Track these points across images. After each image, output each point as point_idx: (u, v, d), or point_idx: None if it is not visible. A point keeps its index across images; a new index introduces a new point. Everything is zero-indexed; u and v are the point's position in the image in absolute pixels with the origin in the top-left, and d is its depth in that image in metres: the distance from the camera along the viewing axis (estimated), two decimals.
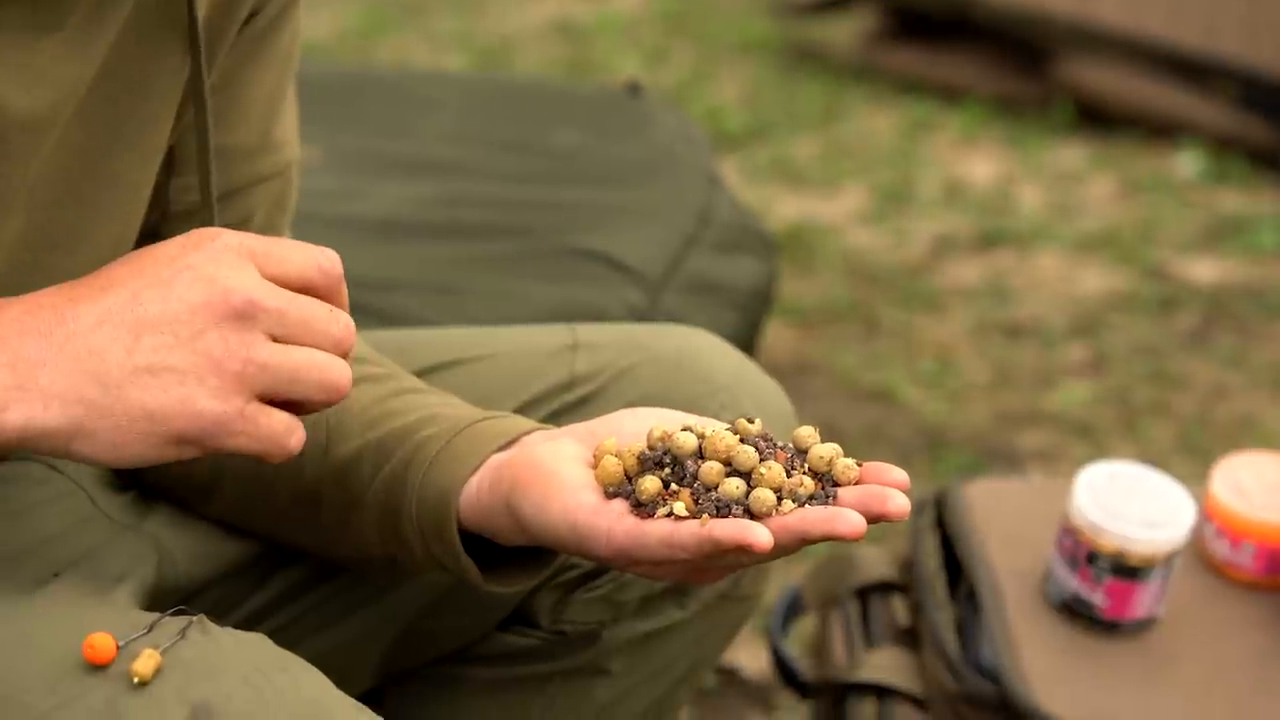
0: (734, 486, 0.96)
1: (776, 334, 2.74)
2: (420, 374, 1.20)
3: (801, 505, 0.96)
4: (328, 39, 3.74)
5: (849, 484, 0.98)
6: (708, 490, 0.97)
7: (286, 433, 0.92)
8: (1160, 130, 3.47)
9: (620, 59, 3.79)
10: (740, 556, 0.96)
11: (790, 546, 0.95)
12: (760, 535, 0.92)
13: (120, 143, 1.05)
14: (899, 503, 0.95)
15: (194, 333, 0.89)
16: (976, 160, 3.45)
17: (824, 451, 0.98)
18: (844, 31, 3.84)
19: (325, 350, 0.93)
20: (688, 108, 3.46)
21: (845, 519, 0.93)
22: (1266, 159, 3.38)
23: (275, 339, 0.91)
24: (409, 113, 2.33)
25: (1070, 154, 3.46)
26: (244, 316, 0.90)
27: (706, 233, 2.11)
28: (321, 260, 0.94)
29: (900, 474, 0.97)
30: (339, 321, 0.94)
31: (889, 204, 3.26)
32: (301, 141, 1.22)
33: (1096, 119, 3.51)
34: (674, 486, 0.97)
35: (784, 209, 3.20)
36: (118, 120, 1.04)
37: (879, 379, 2.70)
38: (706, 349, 1.24)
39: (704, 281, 2.03)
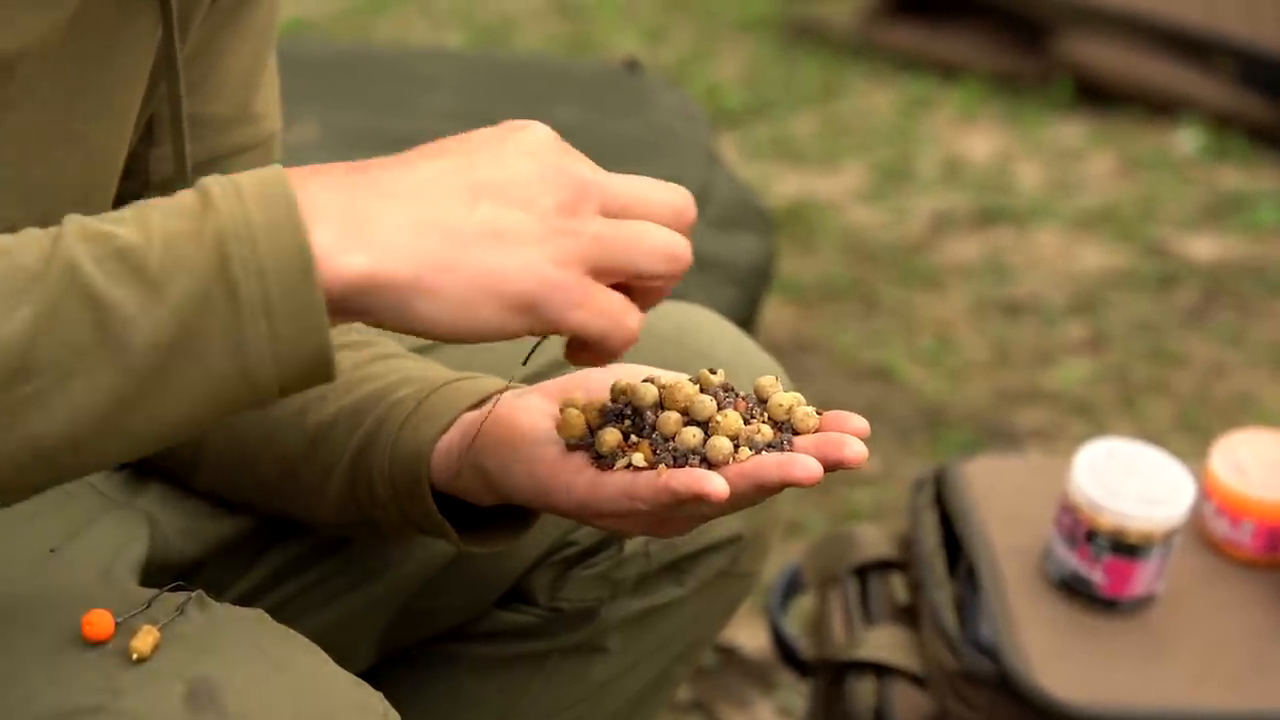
0: (691, 436, 0.96)
1: (775, 311, 2.74)
2: (416, 352, 1.19)
3: (758, 453, 0.96)
4: (327, 16, 3.74)
5: (808, 432, 0.97)
6: (666, 441, 0.97)
7: (624, 310, 0.89)
8: (1160, 107, 3.46)
9: (619, 36, 3.78)
10: (700, 507, 0.96)
11: (748, 494, 0.95)
12: (716, 484, 0.92)
13: (85, 103, 1.03)
14: (855, 449, 0.95)
15: (529, 199, 0.87)
16: (975, 137, 3.44)
17: (784, 400, 0.98)
18: (843, 8, 3.83)
19: (664, 222, 0.90)
20: (687, 85, 3.45)
21: (801, 464, 0.93)
22: (1266, 136, 3.37)
23: (607, 215, 0.89)
24: (408, 90, 2.33)
25: (1069, 131, 3.46)
26: (575, 188, 0.88)
27: (705, 210, 2.10)
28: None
29: (860, 422, 0.97)
30: (675, 190, 0.92)
31: (888, 181, 3.26)
32: (299, 119, 1.22)
33: (1096, 96, 3.51)
34: (634, 438, 0.97)
35: (783, 186, 3.20)
36: (85, 80, 1.03)
37: (878, 357, 2.70)
38: (705, 326, 1.24)
39: (703, 258, 2.02)
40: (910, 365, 2.68)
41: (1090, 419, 2.57)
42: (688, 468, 0.95)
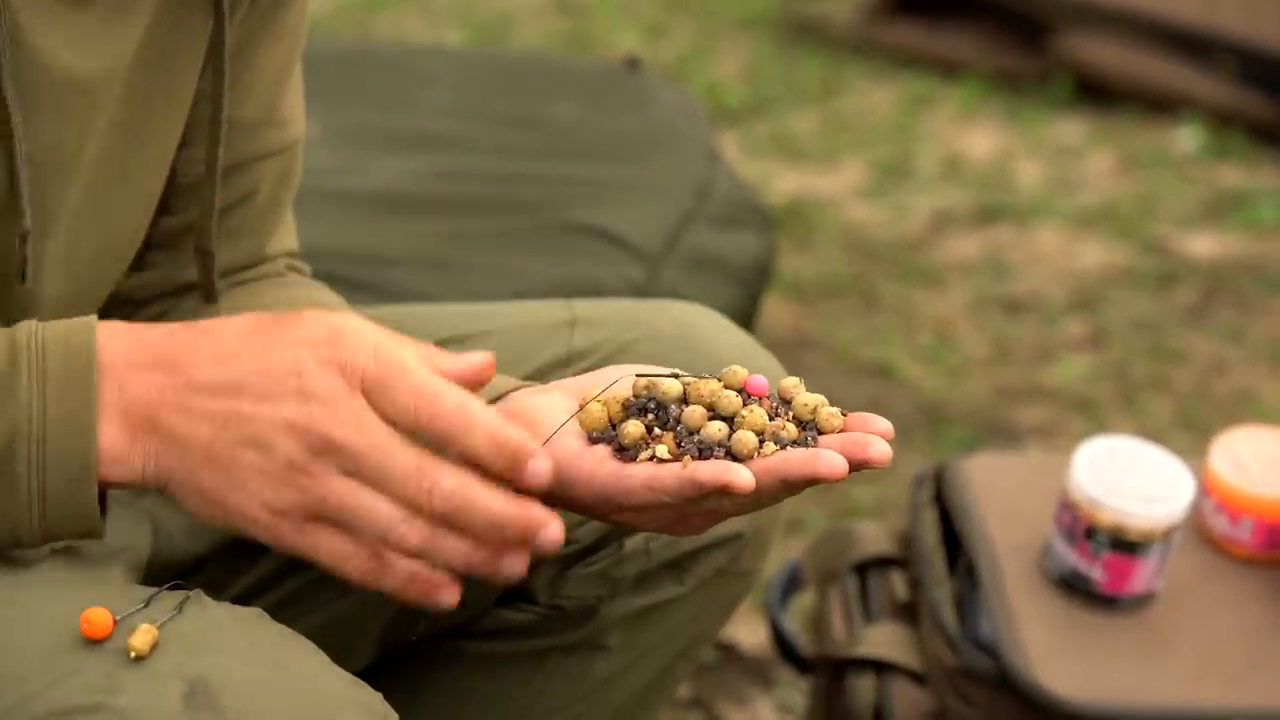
0: (716, 429, 0.96)
1: (775, 309, 2.74)
2: None
3: (783, 449, 0.96)
4: (327, 13, 3.74)
5: (833, 431, 0.97)
6: (690, 434, 0.97)
7: (345, 559, 0.92)
8: (1160, 105, 3.46)
9: (619, 34, 3.78)
10: (722, 501, 0.95)
11: (772, 489, 0.95)
12: (742, 475, 0.92)
13: (155, 115, 1.05)
14: (880, 449, 0.95)
15: (270, 443, 0.90)
16: (976, 135, 3.44)
17: (809, 400, 0.98)
18: (843, 6, 3.83)
19: (398, 502, 0.90)
20: (687, 82, 3.45)
21: (826, 459, 0.93)
22: (1266, 134, 3.37)
23: (351, 475, 0.90)
24: (407, 87, 2.33)
25: (1069, 129, 3.46)
26: (321, 451, 0.90)
27: (705, 207, 2.10)
28: (438, 408, 0.91)
29: (884, 423, 0.97)
30: (421, 483, 0.90)
31: (888, 179, 3.26)
32: None
33: (1096, 93, 3.51)
34: (657, 431, 0.97)
35: (783, 184, 3.20)
36: (155, 92, 1.04)
37: (878, 354, 2.70)
38: (705, 324, 1.24)
39: (703, 256, 2.03)
40: (910, 362, 2.68)
41: (1090, 416, 2.57)
42: (713, 460, 0.95)
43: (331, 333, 0.92)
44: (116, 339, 0.93)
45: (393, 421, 0.90)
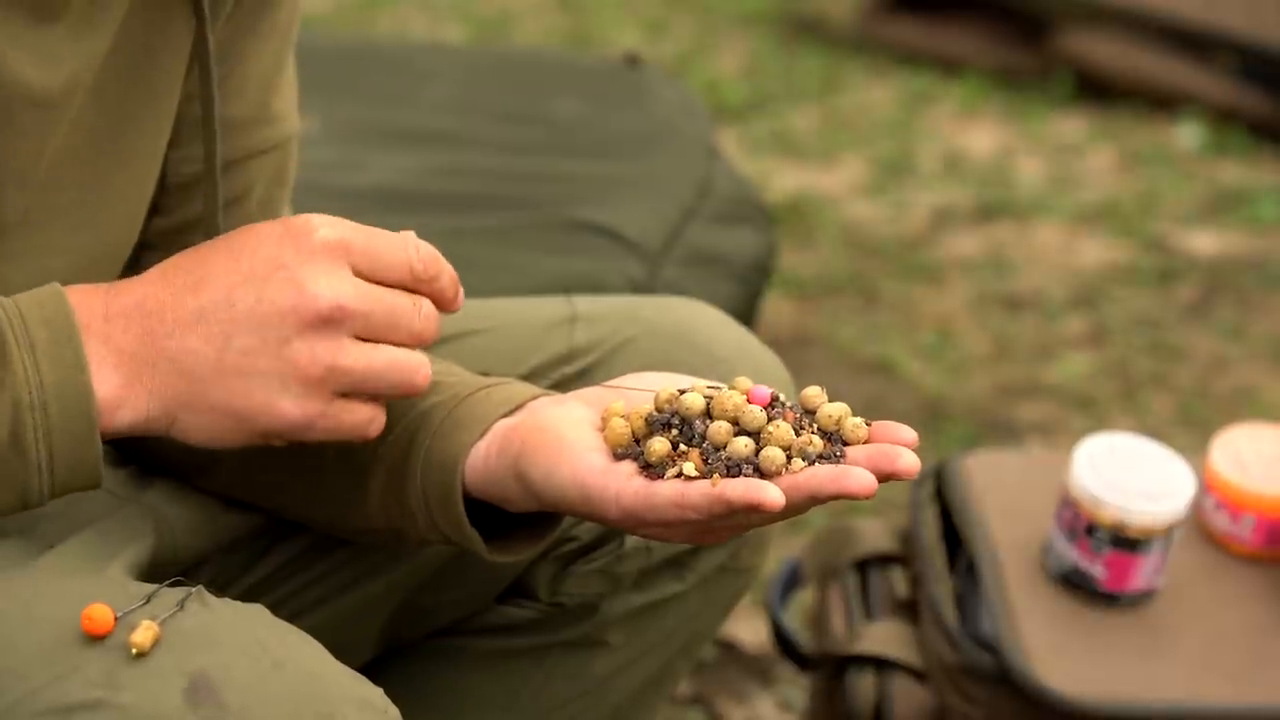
0: (743, 445, 0.96)
1: (776, 306, 2.73)
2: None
3: (811, 463, 0.96)
4: (327, 10, 3.73)
5: (858, 443, 0.98)
6: (717, 450, 0.96)
7: (367, 423, 0.99)
8: (1160, 102, 3.46)
9: (619, 31, 3.78)
10: (750, 517, 0.95)
11: (801, 505, 0.95)
12: (772, 494, 0.92)
13: (132, 120, 1.05)
14: (908, 460, 0.95)
15: (281, 338, 0.95)
16: (976, 132, 3.44)
17: (833, 411, 0.98)
18: (843, 3, 3.83)
19: (407, 344, 0.98)
20: (687, 79, 3.45)
21: (856, 476, 0.93)
22: (1267, 131, 3.37)
23: (361, 338, 0.96)
24: (408, 83, 2.32)
25: (1070, 126, 3.46)
26: (330, 322, 0.95)
27: (706, 204, 2.10)
28: (415, 262, 0.99)
29: (909, 432, 0.97)
30: (420, 313, 0.99)
31: (888, 176, 3.25)
32: (300, 112, 1.22)
33: (1096, 91, 3.51)
34: (682, 447, 0.97)
35: (783, 181, 3.20)
36: (129, 97, 1.04)
37: (878, 351, 2.70)
38: (706, 321, 1.23)
39: (703, 253, 2.02)
40: (911, 359, 2.68)
41: (1091, 413, 2.57)
42: (742, 477, 0.95)
43: (292, 224, 0.97)
44: (90, 297, 0.96)
45: (381, 277, 0.97)
